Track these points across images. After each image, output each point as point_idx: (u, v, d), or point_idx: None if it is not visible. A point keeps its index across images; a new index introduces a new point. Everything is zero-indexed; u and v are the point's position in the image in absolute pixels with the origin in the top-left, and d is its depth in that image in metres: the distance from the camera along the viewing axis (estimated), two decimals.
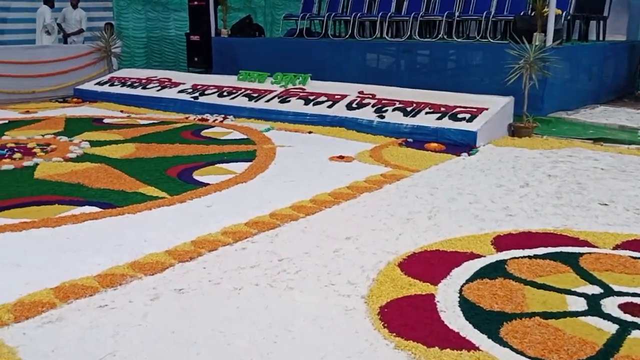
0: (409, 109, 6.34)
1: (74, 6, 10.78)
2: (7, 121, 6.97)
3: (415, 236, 3.24)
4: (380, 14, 9.30)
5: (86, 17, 10.95)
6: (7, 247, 2.98)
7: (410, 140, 5.80)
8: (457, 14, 8.70)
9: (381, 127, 6.14)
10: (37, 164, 4.71)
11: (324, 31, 10.03)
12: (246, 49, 10.09)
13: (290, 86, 7.72)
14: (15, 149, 5.21)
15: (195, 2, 10.88)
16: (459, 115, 5.95)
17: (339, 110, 6.73)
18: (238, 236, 3.18)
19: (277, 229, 3.33)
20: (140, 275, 2.66)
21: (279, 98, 7.40)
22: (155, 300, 2.44)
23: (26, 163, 4.72)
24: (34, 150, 5.20)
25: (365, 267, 2.79)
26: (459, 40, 8.46)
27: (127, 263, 2.79)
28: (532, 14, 7.22)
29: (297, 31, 10.36)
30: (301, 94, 7.39)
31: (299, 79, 7.77)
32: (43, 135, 5.95)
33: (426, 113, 6.17)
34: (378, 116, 6.34)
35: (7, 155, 4.97)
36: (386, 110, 6.42)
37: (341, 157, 5.09)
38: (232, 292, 2.53)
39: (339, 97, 7.05)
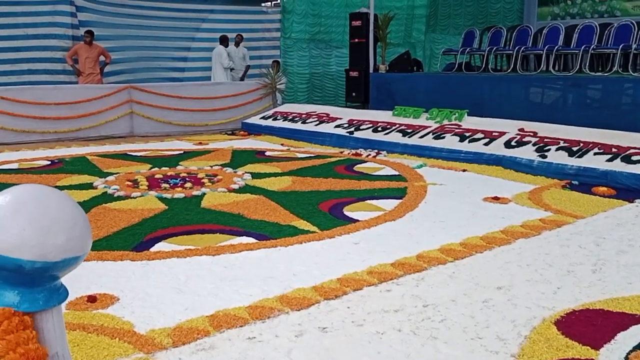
0: (574, 148, 5.92)
1: (237, 44, 11.71)
2: (182, 152, 7.69)
3: (576, 291, 2.97)
4: (546, 47, 8.88)
5: (248, 53, 11.85)
6: (173, 272, 3.24)
7: (575, 182, 5.40)
8: (634, 46, 8.02)
9: (542, 168, 5.80)
10: (204, 194, 5.10)
11: (484, 65, 9.82)
12: (403, 84, 10.16)
13: (445, 122, 7.61)
14: (187, 179, 5.71)
15: (356, 40, 11.23)
16: (634, 157, 5.42)
17: (497, 148, 6.48)
18: (383, 277, 3.15)
19: (423, 272, 3.26)
20: (287, 310, 2.74)
21: (433, 134, 7.32)
22: (300, 337, 2.49)
23: (195, 192, 5.12)
24: (203, 180, 5.66)
25: (517, 322, 2.61)
26: (635, 74, 7.76)
27: (276, 296, 2.89)
28: None
29: (456, 65, 10.25)
30: (457, 130, 7.25)
31: (455, 114, 7.64)
32: (211, 166, 6.46)
33: (595, 154, 5.72)
34: (539, 155, 6.00)
35: (179, 184, 5.46)
36: (549, 150, 6.05)
37: (496, 199, 4.87)
38: (374, 336, 2.50)
39: (497, 134, 6.80)
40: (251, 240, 3.84)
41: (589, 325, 2.59)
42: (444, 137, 7.14)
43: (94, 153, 7.57)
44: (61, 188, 5.27)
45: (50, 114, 8.85)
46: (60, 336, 0.74)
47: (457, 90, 8.94)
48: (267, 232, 4.00)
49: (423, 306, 2.80)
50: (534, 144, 6.29)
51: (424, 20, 14.39)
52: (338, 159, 6.99)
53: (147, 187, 5.32)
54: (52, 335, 0.72)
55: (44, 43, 10.42)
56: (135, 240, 3.81)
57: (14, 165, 6.62)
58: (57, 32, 10.50)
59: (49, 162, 6.84)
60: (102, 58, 10.20)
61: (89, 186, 5.44)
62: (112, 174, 6.04)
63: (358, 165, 6.51)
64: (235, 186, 5.39)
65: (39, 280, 0.71)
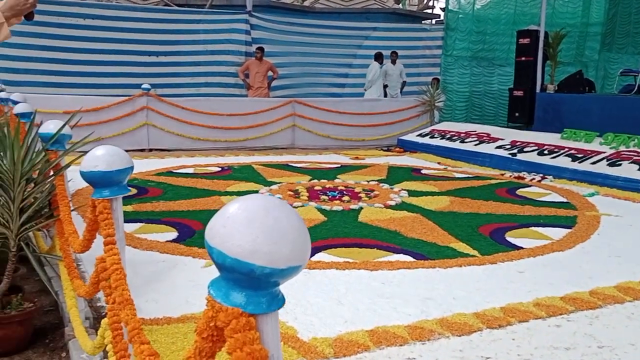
0: None
1: (394, 62, 11.71)
2: (339, 165, 7.88)
3: None
4: None
5: (405, 70, 11.80)
6: (332, 284, 3.31)
7: None
8: None
9: None
10: (361, 208, 5.16)
11: None
12: (573, 106, 9.51)
13: (622, 148, 7.00)
14: (345, 192, 5.83)
15: (523, 58, 10.76)
16: None
17: None
18: (552, 311, 2.95)
19: (597, 310, 3.00)
20: (447, 334, 2.67)
21: (607, 160, 6.76)
22: None
23: (353, 206, 5.21)
24: (360, 194, 5.74)
25: None
26: None
27: (435, 319, 2.82)
28: None
29: (636, 87, 9.40)
30: (635, 157, 6.62)
31: (633, 140, 7.00)
32: (368, 181, 6.53)
33: None
34: None
35: (337, 197, 5.59)
36: None
37: None
38: None
39: None
40: (408, 258, 3.81)
41: None
42: (620, 165, 6.56)
43: (258, 162, 8.03)
44: (231, 194, 5.65)
45: (221, 124, 9.56)
46: (276, 340, 0.78)
47: (636, 115, 8.17)
48: (424, 252, 3.94)
49: (598, 347, 2.57)
50: None
51: (599, 38, 13.39)
52: (499, 181, 6.72)
53: (307, 198, 5.52)
54: (271, 338, 0.77)
55: (220, 58, 11.33)
56: None
57: (190, 170, 7.23)
58: (232, 49, 11.36)
59: (220, 169, 7.37)
60: (270, 73, 10.80)
61: (255, 193, 5.76)
62: (275, 183, 6.36)
63: (521, 189, 6.20)
64: (392, 202, 5.40)
65: (264, 285, 0.76)
